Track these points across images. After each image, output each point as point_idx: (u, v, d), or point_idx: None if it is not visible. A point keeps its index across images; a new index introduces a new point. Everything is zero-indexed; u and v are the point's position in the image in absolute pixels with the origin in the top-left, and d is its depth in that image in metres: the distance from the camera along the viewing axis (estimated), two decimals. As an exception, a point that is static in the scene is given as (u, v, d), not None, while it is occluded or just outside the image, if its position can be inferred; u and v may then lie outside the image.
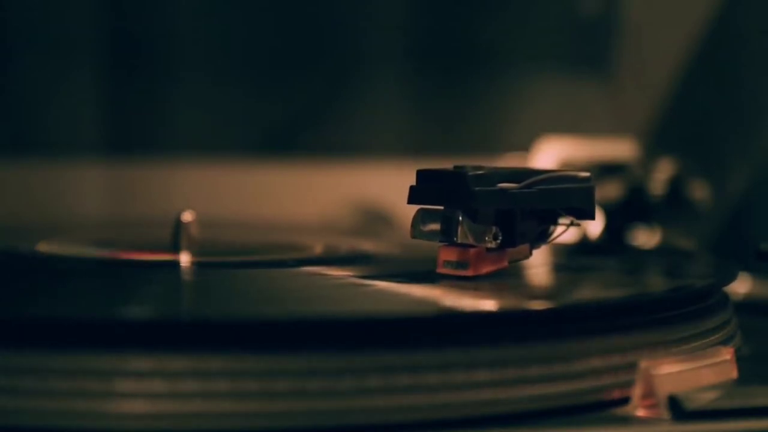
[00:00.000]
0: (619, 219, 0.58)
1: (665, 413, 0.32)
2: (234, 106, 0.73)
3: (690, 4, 0.71)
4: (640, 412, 0.32)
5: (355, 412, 0.30)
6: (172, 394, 0.30)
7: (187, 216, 0.45)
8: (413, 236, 0.39)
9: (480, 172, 0.37)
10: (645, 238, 0.58)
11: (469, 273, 0.38)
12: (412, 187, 0.38)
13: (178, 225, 0.45)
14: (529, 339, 0.33)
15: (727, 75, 0.69)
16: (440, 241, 0.38)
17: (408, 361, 0.31)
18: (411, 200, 0.38)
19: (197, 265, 0.43)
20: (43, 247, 0.48)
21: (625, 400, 0.33)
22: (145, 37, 0.71)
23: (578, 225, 0.41)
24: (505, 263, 0.39)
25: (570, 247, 0.51)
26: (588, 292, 0.40)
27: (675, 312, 0.36)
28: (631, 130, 0.69)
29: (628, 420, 0.32)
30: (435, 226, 0.38)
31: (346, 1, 0.74)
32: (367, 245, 0.51)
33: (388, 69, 0.74)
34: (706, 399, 0.32)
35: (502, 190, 0.37)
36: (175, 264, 0.43)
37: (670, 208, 0.59)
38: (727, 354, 0.35)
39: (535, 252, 0.40)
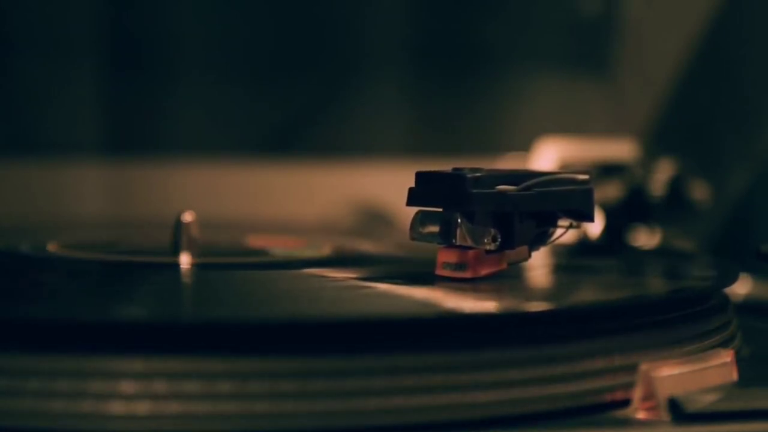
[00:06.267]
0: (619, 219, 0.58)
1: (665, 415, 0.32)
2: (234, 106, 0.73)
3: (690, 4, 0.71)
4: (641, 415, 0.32)
5: (354, 414, 0.30)
6: (174, 396, 0.30)
7: (188, 216, 0.45)
8: (412, 238, 0.39)
9: (478, 174, 0.37)
10: (645, 238, 0.58)
11: (467, 275, 0.38)
12: (410, 189, 0.38)
13: (179, 225, 0.45)
14: (528, 341, 0.33)
15: (727, 75, 0.69)
16: (439, 243, 0.38)
17: (407, 363, 0.31)
18: (409, 202, 0.38)
19: (197, 267, 0.43)
20: (43, 247, 0.48)
21: (625, 402, 0.33)
22: (145, 37, 0.71)
23: (577, 227, 0.40)
24: (504, 265, 0.39)
25: (570, 247, 0.51)
26: (588, 293, 0.40)
27: (675, 314, 0.36)
28: (631, 130, 0.69)
29: (628, 422, 0.32)
30: (434, 228, 0.38)
31: (346, 1, 0.74)
32: (367, 246, 0.51)
33: (388, 69, 0.74)
34: (707, 401, 0.32)
35: (501, 192, 0.37)
36: (175, 265, 0.43)
37: (670, 208, 0.59)
38: (727, 356, 0.35)
39: (534, 253, 0.40)
